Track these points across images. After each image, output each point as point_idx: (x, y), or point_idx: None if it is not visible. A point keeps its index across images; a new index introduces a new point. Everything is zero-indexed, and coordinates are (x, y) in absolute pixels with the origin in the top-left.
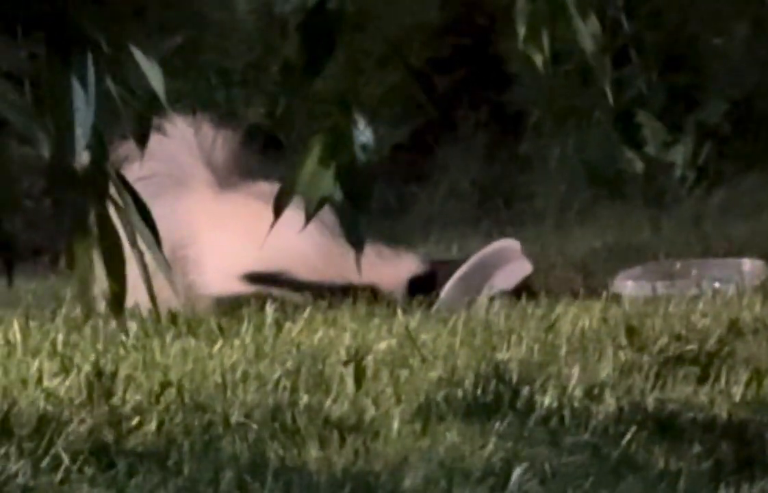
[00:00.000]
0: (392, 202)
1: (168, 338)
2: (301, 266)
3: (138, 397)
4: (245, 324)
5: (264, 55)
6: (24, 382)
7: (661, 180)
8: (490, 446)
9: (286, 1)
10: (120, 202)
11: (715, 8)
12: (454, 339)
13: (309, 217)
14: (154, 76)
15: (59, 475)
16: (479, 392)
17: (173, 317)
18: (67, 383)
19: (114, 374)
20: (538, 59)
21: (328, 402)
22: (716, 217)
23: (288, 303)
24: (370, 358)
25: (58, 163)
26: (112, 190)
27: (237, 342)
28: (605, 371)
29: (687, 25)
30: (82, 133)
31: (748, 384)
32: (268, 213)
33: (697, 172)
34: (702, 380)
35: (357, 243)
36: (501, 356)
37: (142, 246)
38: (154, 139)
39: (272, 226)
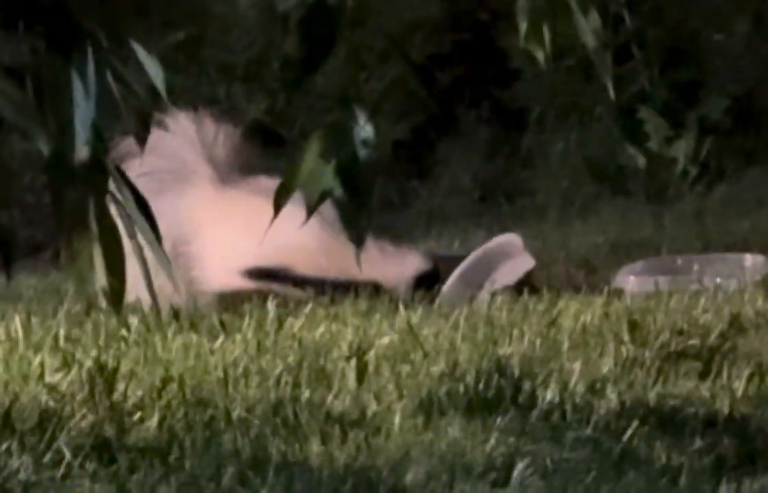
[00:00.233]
0: (393, 198)
1: (169, 334)
2: (303, 262)
3: (139, 392)
4: (247, 319)
5: (265, 51)
6: (26, 377)
7: (662, 176)
8: (492, 441)
9: None
10: (120, 197)
11: (717, 4)
12: (455, 334)
13: (310, 212)
14: (155, 72)
15: (61, 470)
16: (481, 387)
17: (175, 313)
18: (69, 378)
19: (115, 370)
20: (540, 55)
21: (330, 397)
22: (718, 213)
23: (289, 299)
24: (371, 353)
25: (57, 159)
26: (112, 186)
27: (239, 337)
28: (607, 366)
29: (688, 21)
30: (81, 128)
31: (749, 379)
32: (270, 209)
33: (698, 167)
34: (704, 375)
35: (358, 239)
36: (503, 351)
37: (142, 241)
38: (156, 135)
39: (273, 221)
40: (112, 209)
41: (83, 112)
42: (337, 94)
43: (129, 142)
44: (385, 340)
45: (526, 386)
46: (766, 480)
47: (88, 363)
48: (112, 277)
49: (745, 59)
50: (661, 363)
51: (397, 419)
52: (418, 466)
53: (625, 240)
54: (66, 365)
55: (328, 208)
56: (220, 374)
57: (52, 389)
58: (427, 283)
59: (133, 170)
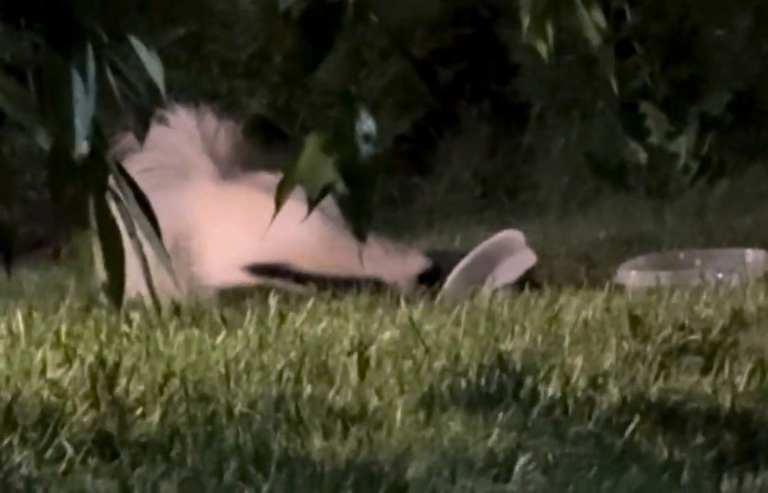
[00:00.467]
0: (395, 194)
1: (171, 329)
2: (305, 258)
3: (141, 388)
4: (248, 315)
5: (267, 46)
6: (27, 373)
7: (664, 171)
8: (494, 437)
9: None
10: (120, 193)
11: None
12: (457, 330)
13: (312, 206)
14: (154, 68)
15: (63, 466)
16: (483, 382)
17: (176, 308)
18: (71, 373)
19: (117, 365)
20: (543, 49)
21: (332, 393)
22: (719, 208)
23: (291, 294)
24: (373, 348)
25: (57, 155)
26: (113, 182)
27: (240, 333)
28: (608, 361)
29: (690, 17)
30: (81, 124)
31: (751, 374)
32: (271, 204)
33: (700, 162)
34: (705, 370)
35: (360, 234)
36: (504, 346)
37: (142, 237)
38: (157, 131)
39: (274, 217)
40: (113, 206)
41: (83, 108)
42: (338, 90)
43: (130, 138)
44: (387, 335)
45: (528, 381)
46: None
47: (90, 359)
48: (111, 273)
49: (747, 55)
50: (662, 358)
51: (398, 415)
52: (419, 461)
53: (626, 235)
54: (67, 360)
55: (330, 205)
56: (222, 369)
57: (53, 384)
58: (429, 280)
59: (134, 166)
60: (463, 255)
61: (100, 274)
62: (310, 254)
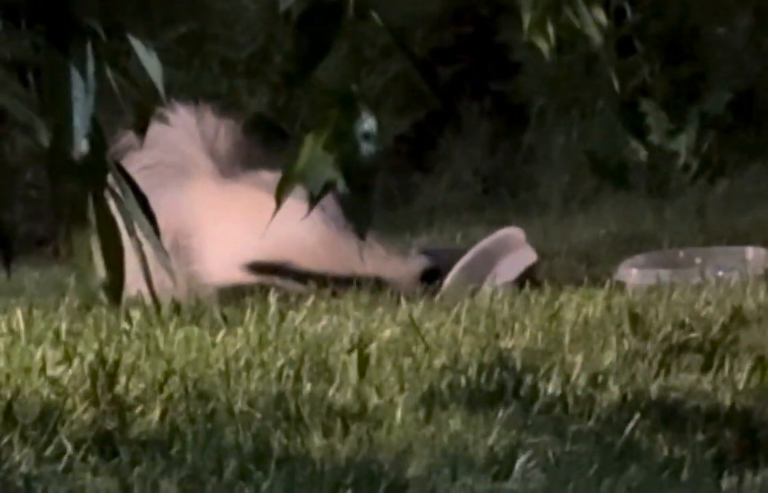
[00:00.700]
0: (395, 193)
1: (171, 327)
2: (305, 257)
3: (141, 386)
4: (248, 313)
5: (267, 45)
6: (27, 371)
7: (664, 169)
8: (494, 435)
9: None
10: (119, 192)
11: None
12: (457, 327)
13: (312, 203)
14: (153, 67)
15: (62, 464)
16: (483, 380)
17: (176, 306)
18: (71, 371)
19: (117, 363)
20: (544, 47)
21: (332, 391)
22: (719, 206)
23: (291, 293)
24: (373, 346)
25: (57, 153)
26: (112, 181)
27: (240, 331)
28: (609, 359)
29: (690, 15)
30: (81, 122)
31: (751, 372)
32: (271, 203)
33: (700, 161)
34: (706, 368)
35: (361, 232)
36: (505, 344)
37: (141, 236)
38: (157, 129)
39: (274, 215)
40: (112, 204)
41: (82, 106)
42: (339, 89)
43: (130, 137)
44: (387, 333)
45: (528, 379)
46: None
47: (90, 356)
48: (111, 271)
49: (747, 53)
50: (663, 356)
51: (398, 413)
52: (419, 459)
53: (626, 233)
54: (67, 358)
55: (330, 203)
56: (222, 367)
57: (53, 382)
58: (429, 278)
59: (134, 164)
60: (463, 253)
61: (100, 272)
62: (310, 252)
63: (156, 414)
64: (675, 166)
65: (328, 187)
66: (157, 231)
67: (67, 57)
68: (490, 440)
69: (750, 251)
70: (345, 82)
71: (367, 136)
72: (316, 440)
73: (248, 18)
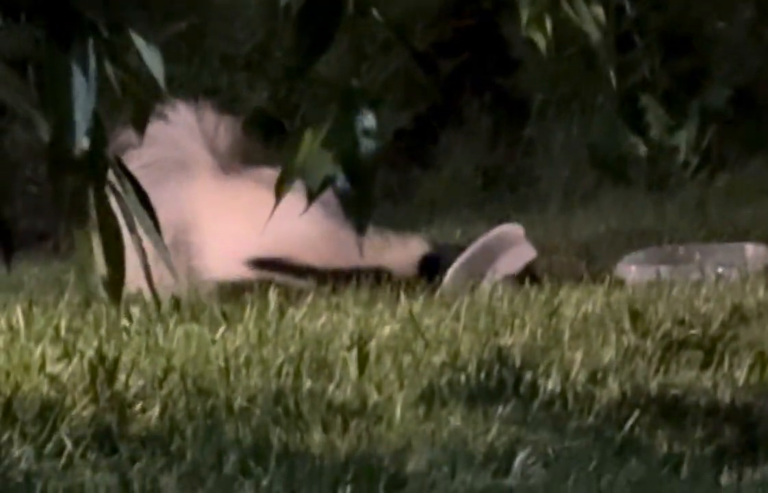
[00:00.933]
0: (395, 187)
1: (171, 324)
2: (306, 251)
3: (141, 382)
4: (248, 309)
5: (267, 41)
6: (27, 367)
7: (664, 165)
8: (494, 431)
9: None
10: (119, 188)
11: None
12: (457, 324)
13: (311, 199)
14: (154, 63)
15: (62, 460)
16: (482, 376)
17: (176, 303)
18: (70, 368)
19: (117, 360)
20: (541, 41)
21: (332, 387)
22: (720, 202)
23: (291, 288)
24: (373, 343)
25: (57, 149)
26: (112, 177)
27: (240, 327)
28: (608, 355)
29: (690, 9)
30: (82, 118)
31: (751, 368)
32: (271, 198)
33: (700, 156)
34: (705, 364)
35: (360, 228)
36: (504, 340)
37: (141, 232)
38: (158, 125)
39: (273, 210)
40: (112, 201)
41: (83, 102)
42: (339, 84)
43: (130, 133)
44: (387, 330)
45: (528, 375)
46: None
47: (90, 353)
48: (111, 268)
49: (748, 48)
50: (662, 352)
51: (398, 409)
52: (419, 455)
53: (626, 229)
54: (67, 355)
55: (331, 198)
56: (222, 363)
57: (53, 379)
58: (430, 269)
59: (134, 161)
60: (463, 249)
61: (100, 268)
62: (311, 247)
63: (156, 410)
64: (675, 161)
65: (327, 183)
66: (157, 227)
67: (68, 52)
68: (490, 437)
69: (750, 248)
70: (345, 77)
71: (367, 131)
72: (316, 436)
73: (248, 13)
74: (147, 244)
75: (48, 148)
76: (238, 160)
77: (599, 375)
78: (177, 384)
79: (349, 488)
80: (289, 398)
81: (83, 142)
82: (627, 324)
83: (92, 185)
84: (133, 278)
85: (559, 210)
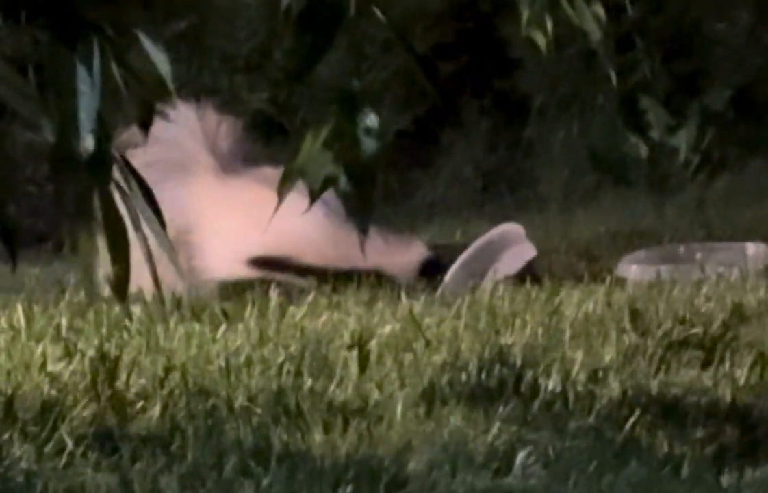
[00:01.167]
0: (396, 188)
1: (172, 323)
2: (307, 251)
3: (142, 382)
4: (249, 309)
5: (268, 41)
6: (28, 367)
7: (664, 165)
8: (494, 430)
9: None
10: (124, 186)
11: None
12: (458, 323)
13: (313, 198)
14: (161, 62)
15: (63, 460)
16: (483, 376)
17: (177, 302)
18: (71, 367)
19: (118, 359)
20: (541, 42)
21: (332, 387)
22: (720, 202)
23: (292, 288)
24: (374, 342)
25: (62, 149)
26: (117, 175)
27: (241, 327)
28: (609, 355)
29: (690, 11)
30: (86, 118)
31: (752, 368)
32: (273, 198)
33: (700, 157)
34: (706, 364)
35: (362, 228)
36: (505, 340)
37: (146, 231)
38: (159, 125)
39: (276, 210)
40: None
41: (88, 101)
42: (340, 85)
43: (130, 133)
44: (387, 329)
45: (528, 375)
46: None
47: (91, 353)
48: (116, 265)
49: (748, 49)
50: (663, 352)
51: (399, 409)
52: (420, 455)
53: (627, 229)
54: (68, 354)
55: (332, 198)
56: (222, 363)
57: (54, 378)
58: (431, 271)
59: (135, 161)
60: (463, 249)
61: (104, 266)
62: (312, 246)
63: (156, 410)
64: (675, 161)
65: (328, 183)
66: (163, 225)
67: (72, 51)
68: (490, 436)
69: (750, 247)
70: (346, 78)
71: (367, 132)
72: (317, 436)
73: (248, 13)
74: (150, 242)
75: (52, 148)
76: (239, 160)
77: (600, 375)
78: (178, 383)
79: (349, 488)
80: (290, 397)
81: (88, 142)
82: (627, 324)
83: (97, 184)
84: (134, 277)
85: (559, 210)
